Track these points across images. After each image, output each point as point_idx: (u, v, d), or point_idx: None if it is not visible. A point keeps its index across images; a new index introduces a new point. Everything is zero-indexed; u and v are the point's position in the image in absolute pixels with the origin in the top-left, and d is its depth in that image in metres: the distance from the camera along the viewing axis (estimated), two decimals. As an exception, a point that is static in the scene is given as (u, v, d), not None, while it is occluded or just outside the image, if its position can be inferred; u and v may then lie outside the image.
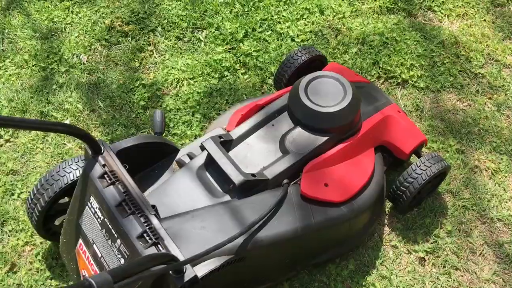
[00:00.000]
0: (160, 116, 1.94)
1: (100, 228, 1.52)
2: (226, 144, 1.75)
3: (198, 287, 1.40)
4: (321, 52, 2.25)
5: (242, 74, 2.46)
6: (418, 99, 2.36)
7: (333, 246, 1.82)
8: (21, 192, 2.12)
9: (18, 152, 2.24)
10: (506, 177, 2.13)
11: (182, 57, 2.53)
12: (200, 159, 1.75)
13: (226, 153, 1.67)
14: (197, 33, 2.62)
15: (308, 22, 2.64)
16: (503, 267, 1.92)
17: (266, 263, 1.68)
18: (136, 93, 2.41)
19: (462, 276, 1.90)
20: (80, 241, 1.60)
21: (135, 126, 2.31)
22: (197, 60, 2.50)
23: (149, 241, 1.42)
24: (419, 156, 1.99)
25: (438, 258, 1.93)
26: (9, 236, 2.01)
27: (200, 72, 2.45)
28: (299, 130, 1.78)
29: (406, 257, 1.95)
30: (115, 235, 1.47)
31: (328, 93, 1.78)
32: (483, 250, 1.96)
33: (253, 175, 1.65)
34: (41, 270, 1.92)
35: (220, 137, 1.74)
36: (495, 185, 2.11)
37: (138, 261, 1.22)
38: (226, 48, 2.53)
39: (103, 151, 1.58)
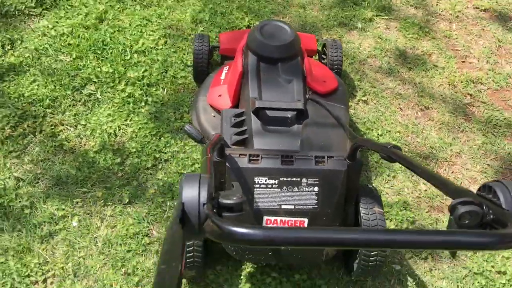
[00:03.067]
0: (191, 128, 2.18)
1: (279, 189, 1.85)
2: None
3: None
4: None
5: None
6: None
7: None
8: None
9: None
10: None
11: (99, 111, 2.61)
12: (255, 125, 2.12)
13: (274, 101, 2.13)
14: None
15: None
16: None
17: None
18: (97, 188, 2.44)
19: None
20: (265, 218, 1.87)
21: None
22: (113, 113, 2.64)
23: (325, 160, 1.87)
24: None
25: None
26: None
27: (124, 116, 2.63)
28: (280, 64, 2.34)
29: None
30: (297, 179, 1.85)
31: (279, 34, 2.39)
32: None
33: (297, 100, 2.19)
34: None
35: (255, 99, 2.16)
36: None
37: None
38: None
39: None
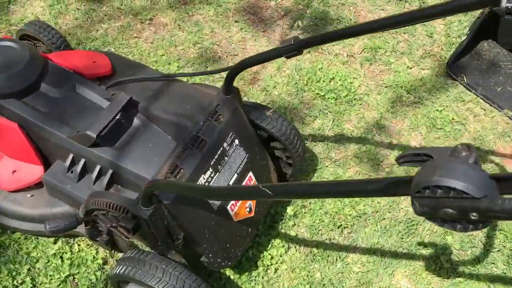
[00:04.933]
0: (55, 223, 1.69)
1: (218, 172, 1.65)
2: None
3: None
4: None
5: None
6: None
7: None
8: None
9: None
10: None
11: None
12: (110, 154, 1.67)
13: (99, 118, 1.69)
14: None
15: None
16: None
17: None
18: None
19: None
20: (229, 205, 1.69)
21: None
22: None
23: (219, 111, 1.68)
24: None
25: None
26: None
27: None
28: (44, 84, 1.79)
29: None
30: (220, 148, 1.66)
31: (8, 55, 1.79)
32: None
33: (109, 97, 1.78)
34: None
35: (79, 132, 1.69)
36: None
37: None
38: None
39: None
